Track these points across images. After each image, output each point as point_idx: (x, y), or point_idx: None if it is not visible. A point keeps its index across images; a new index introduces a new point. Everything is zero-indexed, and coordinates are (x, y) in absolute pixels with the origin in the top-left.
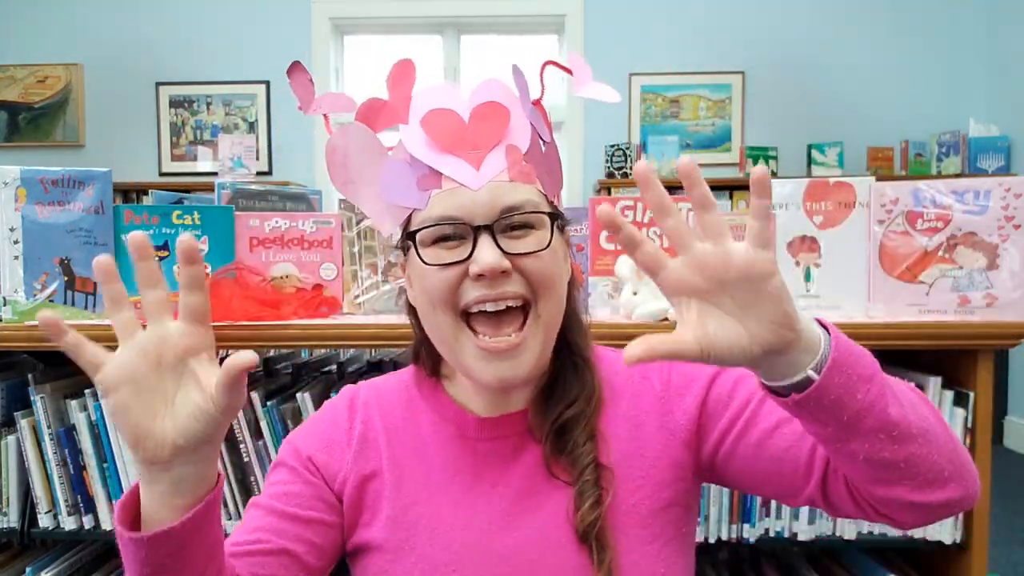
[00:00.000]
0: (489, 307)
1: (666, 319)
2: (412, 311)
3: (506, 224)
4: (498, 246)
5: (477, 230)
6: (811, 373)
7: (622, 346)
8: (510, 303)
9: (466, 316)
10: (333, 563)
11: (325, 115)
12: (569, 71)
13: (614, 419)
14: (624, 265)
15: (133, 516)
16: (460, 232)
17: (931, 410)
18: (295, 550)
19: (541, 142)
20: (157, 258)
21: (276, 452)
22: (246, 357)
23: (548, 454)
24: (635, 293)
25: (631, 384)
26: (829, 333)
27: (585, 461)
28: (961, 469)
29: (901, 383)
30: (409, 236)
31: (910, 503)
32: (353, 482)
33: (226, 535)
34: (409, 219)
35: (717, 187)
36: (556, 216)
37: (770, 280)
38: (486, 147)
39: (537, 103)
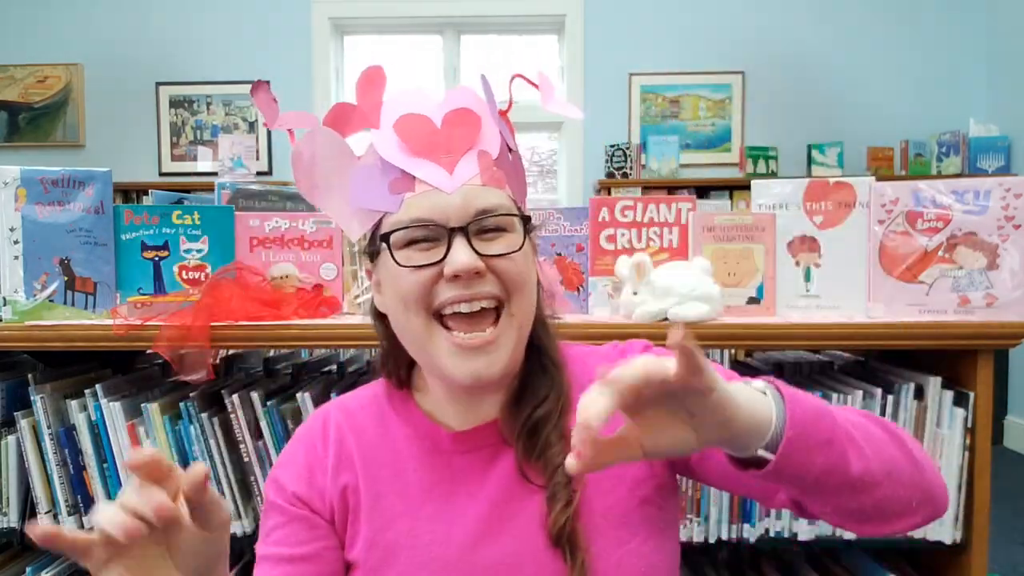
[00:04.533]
0: (464, 308)
1: (665, 319)
2: (379, 317)
3: (479, 227)
4: (472, 248)
5: (452, 232)
6: (764, 454)
7: None
8: (484, 304)
9: (439, 317)
10: None
11: (290, 130)
12: (536, 85)
13: None
14: (624, 265)
15: None
16: (434, 234)
17: (891, 438)
18: None
19: (508, 150)
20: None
21: (276, 452)
22: (198, 469)
23: (521, 457)
24: (635, 293)
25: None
26: (784, 401)
27: (556, 462)
28: (929, 491)
29: (853, 415)
30: (383, 238)
31: (880, 533)
32: (336, 503)
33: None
34: (379, 224)
35: (717, 187)
36: (527, 219)
37: (710, 395)
38: (458, 152)
39: (503, 114)
